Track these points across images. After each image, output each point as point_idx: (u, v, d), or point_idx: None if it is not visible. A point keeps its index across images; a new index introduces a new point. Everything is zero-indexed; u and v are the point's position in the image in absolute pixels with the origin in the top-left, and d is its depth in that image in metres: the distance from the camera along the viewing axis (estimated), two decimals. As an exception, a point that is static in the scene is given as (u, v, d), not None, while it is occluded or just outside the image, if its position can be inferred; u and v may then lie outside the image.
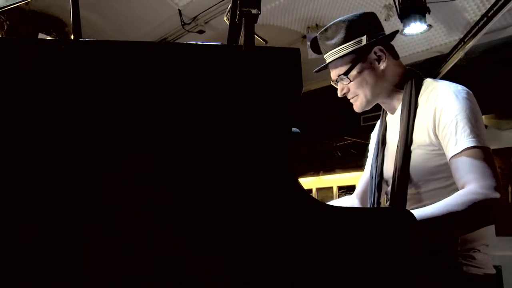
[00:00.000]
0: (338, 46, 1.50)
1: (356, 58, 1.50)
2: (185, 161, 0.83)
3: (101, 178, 0.81)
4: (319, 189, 8.02)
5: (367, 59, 1.50)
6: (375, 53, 1.51)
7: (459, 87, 1.40)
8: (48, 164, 0.79)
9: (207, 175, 0.83)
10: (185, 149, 0.83)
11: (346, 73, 1.50)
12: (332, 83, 1.60)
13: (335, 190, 7.66)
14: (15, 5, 0.90)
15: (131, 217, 0.81)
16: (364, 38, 1.48)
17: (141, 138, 0.82)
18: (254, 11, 0.85)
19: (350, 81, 1.51)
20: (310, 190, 8.11)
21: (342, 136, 6.33)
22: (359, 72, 1.50)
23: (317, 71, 1.65)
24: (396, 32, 1.58)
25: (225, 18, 0.84)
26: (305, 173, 7.98)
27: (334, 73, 1.56)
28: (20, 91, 0.79)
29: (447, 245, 1.35)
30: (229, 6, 0.95)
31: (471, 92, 1.39)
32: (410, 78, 1.51)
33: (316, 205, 0.85)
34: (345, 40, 1.49)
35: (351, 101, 1.58)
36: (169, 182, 0.83)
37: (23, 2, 0.92)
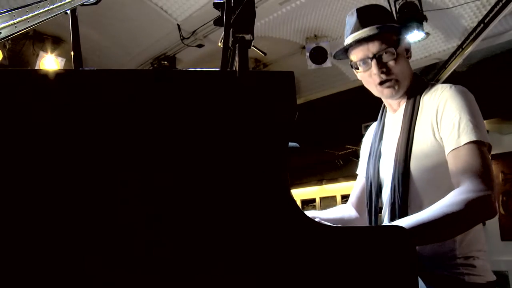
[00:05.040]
0: (387, 22, 1.46)
1: (398, 38, 1.47)
2: (181, 179, 0.84)
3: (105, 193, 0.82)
4: (322, 198, 8.01)
5: (402, 45, 1.49)
6: (409, 44, 1.53)
7: (461, 87, 1.42)
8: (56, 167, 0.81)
9: (202, 194, 0.84)
10: (182, 168, 0.85)
11: (396, 46, 1.44)
12: (360, 66, 1.50)
13: (338, 199, 7.65)
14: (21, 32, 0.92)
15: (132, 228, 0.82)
16: (399, 26, 1.51)
17: (142, 157, 0.84)
18: (247, 37, 0.86)
19: (396, 57, 1.45)
20: (314, 200, 8.10)
21: (344, 145, 6.34)
22: (402, 52, 1.47)
23: (338, 53, 1.58)
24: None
25: (219, 44, 0.85)
26: (308, 183, 7.97)
27: (376, 46, 1.44)
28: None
29: (446, 256, 1.35)
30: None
31: (472, 95, 1.42)
32: (416, 79, 1.54)
33: (308, 224, 0.86)
34: (389, 20, 1.49)
35: (384, 85, 1.47)
36: (165, 195, 0.84)
37: (28, 28, 0.93)
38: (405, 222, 1.13)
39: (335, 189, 7.69)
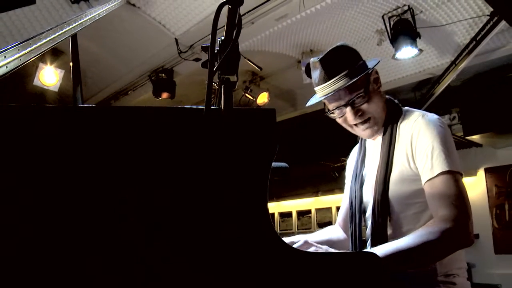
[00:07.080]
0: (352, 64, 1.48)
1: (366, 78, 1.49)
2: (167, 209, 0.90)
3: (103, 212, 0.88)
4: (318, 210, 8.03)
5: (371, 80, 1.51)
6: (376, 73, 1.55)
7: (434, 116, 1.47)
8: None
9: (187, 227, 0.89)
10: (168, 194, 0.90)
11: (366, 91, 1.47)
12: (334, 112, 1.54)
13: (333, 210, 7.67)
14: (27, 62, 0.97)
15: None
16: (363, 61, 1.53)
17: (135, 189, 0.90)
18: (232, 78, 0.91)
19: (368, 100, 1.48)
20: (309, 211, 8.12)
21: (339, 157, 6.38)
22: (372, 91, 1.50)
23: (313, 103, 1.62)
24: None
25: (207, 82, 0.91)
26: (304, 194, 8.00)
27: (347, 96, 1.48)
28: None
29: (427, 274, 1.39)
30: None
31: (444, 122, 1.46)
32: (390, 106, 1.58)
33: (283, 250, 0.91)
34: (354, 63, 1.49)
35: (362, 127, 1.53)
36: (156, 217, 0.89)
37: (32, 59, 0.98)
38: (382, 249, 1.17)
39: (330, 200, 7.72)
